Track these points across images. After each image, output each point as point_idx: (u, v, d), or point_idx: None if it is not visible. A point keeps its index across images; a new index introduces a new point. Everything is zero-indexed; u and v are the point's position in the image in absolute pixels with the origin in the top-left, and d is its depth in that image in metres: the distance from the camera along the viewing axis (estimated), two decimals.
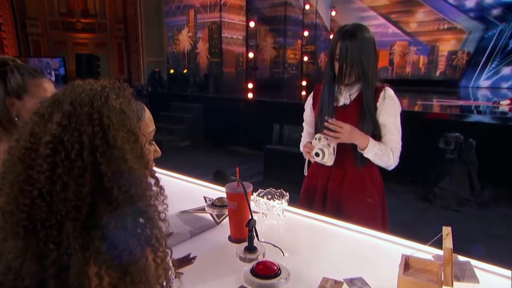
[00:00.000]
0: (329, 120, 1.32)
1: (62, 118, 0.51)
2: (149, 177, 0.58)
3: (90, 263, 0.49)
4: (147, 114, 0.70)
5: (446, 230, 0.86)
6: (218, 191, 1.52)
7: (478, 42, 8.75)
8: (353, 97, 1.44)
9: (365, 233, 1.16)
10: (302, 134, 1.62)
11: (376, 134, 1.39)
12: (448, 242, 0.82)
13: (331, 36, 9.78)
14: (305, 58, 8.81)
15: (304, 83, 7.87)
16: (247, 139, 5.61)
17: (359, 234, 1.16)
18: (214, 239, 1.14)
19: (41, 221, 0.48)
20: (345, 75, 1.36)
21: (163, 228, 0.57)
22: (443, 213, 3.43)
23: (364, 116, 1.38)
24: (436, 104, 6.36)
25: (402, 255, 0.87)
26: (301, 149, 1.51)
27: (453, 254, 0.82)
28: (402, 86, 8.94)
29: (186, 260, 0.99)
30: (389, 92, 1.40)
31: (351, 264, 0.98)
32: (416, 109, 5.88)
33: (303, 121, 1.61)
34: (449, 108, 5.92)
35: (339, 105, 1.45)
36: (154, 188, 0.58)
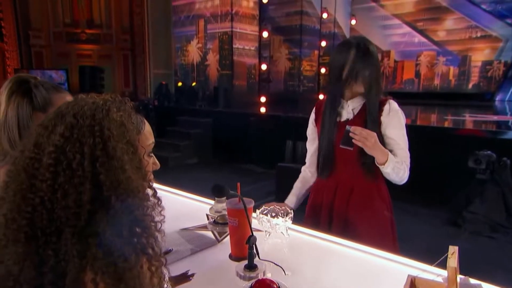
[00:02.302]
0: (351, 129, 1.36)
1: (65, 129, 0.57)
2: (147, 188, 0.64)
3: (87, 270, 0.54)
4: (147, 127, 0.78)
5: (452, 249, 0.89)
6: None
7: None
8: (356, 111, 1.52)
9: (370, 253, 1.19)
10: (306, 155, 1.69)
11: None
12: (452, 261, 0.85)
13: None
14: (323, 70, 8.87)
15: (321, 96, 7.88)
16: (258, 156, 5.66)
17: (364, 254, 1.20)
18: (215, 257, 1.19)
19: (41, 228, 0.54)
20: (349, 89, 1.47)
21: (158, 238, 0.63)
22: (474, 239, 3.38)
23: (370, 129, 1.42)
24: (469, 119, 6.31)
25: (408, 275, 0.91)
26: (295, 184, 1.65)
27: (460, 275, 0.85)
28: (430, 99, 8.92)
29: (183, 277, 1.05)
30: (393, 105, 1.48)
31: (355, 284, 1.01)
32: (445, 124, 5.85)
33: None
34: (483, 123, 5.87)
35: (342, 120, 1.52)
36: (151, 199, 0.63)
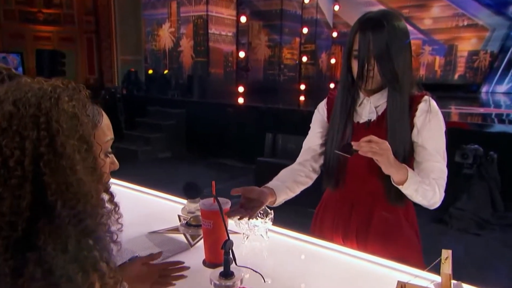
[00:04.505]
0: (352, 143, 1.08)
1: (2, 119, 0.52)
2: (102, 192, 0.60)
3: None
4: (105, 121, 0.71)
5: (446, 254, 0.88)
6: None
7: (503, 40, 8.96)
8: (381, 110, 1.23)
9: (358, 257, 1.18)
10: (302, 150, 1.39)
11: (407, 158, 1.18)
12: (446, 267, 0.84)
13: (334, 34, 9.97)
14: (304, 59, 8.90)
15: (302, 86, 7.93)
16: (236, 150, 5.64)
17: (351, 258, 1.18)
18: (187, 263, 1.12)
19: None
20: (366, 78, 1.16)
21: (114, 250, 0.59)
22: (460, 236, 3.46)
23: (394, 136, 1.17)
24: (454, 111, 6.47)
25: (398, 282, 0.90)
26: None
27: (453, 280, 0.84)
28: None
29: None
30: (432, 104, 1.20)
31: None
32: None
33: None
34: (469, 116, 6.03)
35: (362, 121, 1.25)
36: (107, 205, 0.60)
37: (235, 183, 4.80)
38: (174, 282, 0.97)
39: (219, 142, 5.83)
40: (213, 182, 1.14)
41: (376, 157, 1.06)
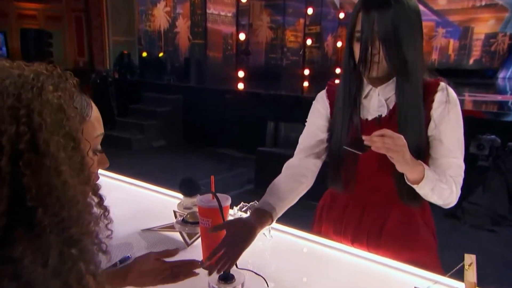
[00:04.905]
0: (366, 139, 1.00)
1: None
2: (89, 195, 0.58)
3: None
4: (95, 113, 0.68)
5: (469, 259, 0.85)
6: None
7: None
8: (392, 103, 1.16)
9: (370, 259, 1.16)
10: (298, 147, 1.30)
11: (422, 155, 1.12)
12: (470, 275, 0.82)
13: (341, 15, 9.87)
14: (309, 41, 8.84)
15: (306, 71, 7.87)
16: (235, 139, 5.63)
17: (362, 260, 1.16)
18: None
19: None
20: (370, 63, 1.08)
21: (103, 261, 0.57)
22: (474, 233, 3.45)
23: (407, 132, 1.08)
24: (468, 99, 6.43)
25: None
26: None
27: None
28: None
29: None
30: (450, 92, 1.13)
31: None
32: None
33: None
34: (484, 104, 5.99)
35: (371, 117, 1.18)
36: (95, 209, 0.58)
37: (234, 174, 4.87)
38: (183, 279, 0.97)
39: (217, 130, 5.82)
40: (212, 177, 1.12)
41: (391, 154, 1.00)
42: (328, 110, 1.26)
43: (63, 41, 8.26)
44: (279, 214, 1.11)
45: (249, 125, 5.27)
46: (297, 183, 1.20)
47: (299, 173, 1.22)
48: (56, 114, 0.53)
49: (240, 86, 6.34)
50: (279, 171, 1.25)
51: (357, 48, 1.11)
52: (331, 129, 1.25)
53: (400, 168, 1.04)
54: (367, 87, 1.18)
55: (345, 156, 1.18)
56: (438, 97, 1.13)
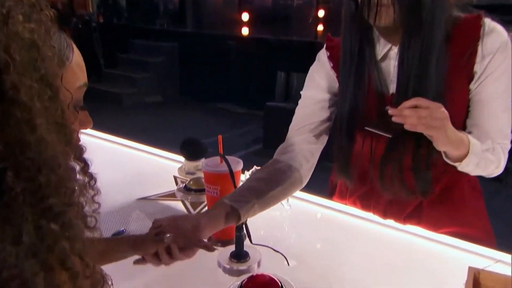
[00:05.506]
0: (391, 111, 0.89)
1: None
2: (71, 158, 0.55)
3: None
4: (76, 58, 0.64)
5: None
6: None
7: None
8: None
9: (409, 232, 1.12)
10: (292, 126, 1.17)
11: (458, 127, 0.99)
12: None
13: None
14: None
15: (321, 13, 7.71)
16: (240, 93, 5.62)
17: (401, 233, 1.12)
18: None
19: None
20: (377, 5, 0.92)
21: (89, 240, 0.54)
22: None
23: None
24: None
25: (469, 268, 0.83)
26: None
27: None
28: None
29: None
30: (502, 34, 0.98)
31: (388, 278, 0.97)
32: None
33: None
34: None
35: (392, 90, 1.04)
36: (79, 176, 0.56)
37: (240, 132, 4.88)
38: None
39: (219, 83, 5.82)
40: (220, 137, 1.09)
41: (430, 132, 0.89)
42: (332, 77, 1.13)
43: None
44: (249, 213, 0.96)
45: (256, 76, 5.29)
46: (284, 185, 1.04)
47: (287, 168, 1.07)
48: (27, 51, 0.48)
49: (245, 31, 6.28)
50: None
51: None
52: (337, 102, 1.11)
53: (441, 147, 0.94)
54: (385, 46, 1.04)
55: (363, 136, 1.06)
56: (486, 46, 0.97)
